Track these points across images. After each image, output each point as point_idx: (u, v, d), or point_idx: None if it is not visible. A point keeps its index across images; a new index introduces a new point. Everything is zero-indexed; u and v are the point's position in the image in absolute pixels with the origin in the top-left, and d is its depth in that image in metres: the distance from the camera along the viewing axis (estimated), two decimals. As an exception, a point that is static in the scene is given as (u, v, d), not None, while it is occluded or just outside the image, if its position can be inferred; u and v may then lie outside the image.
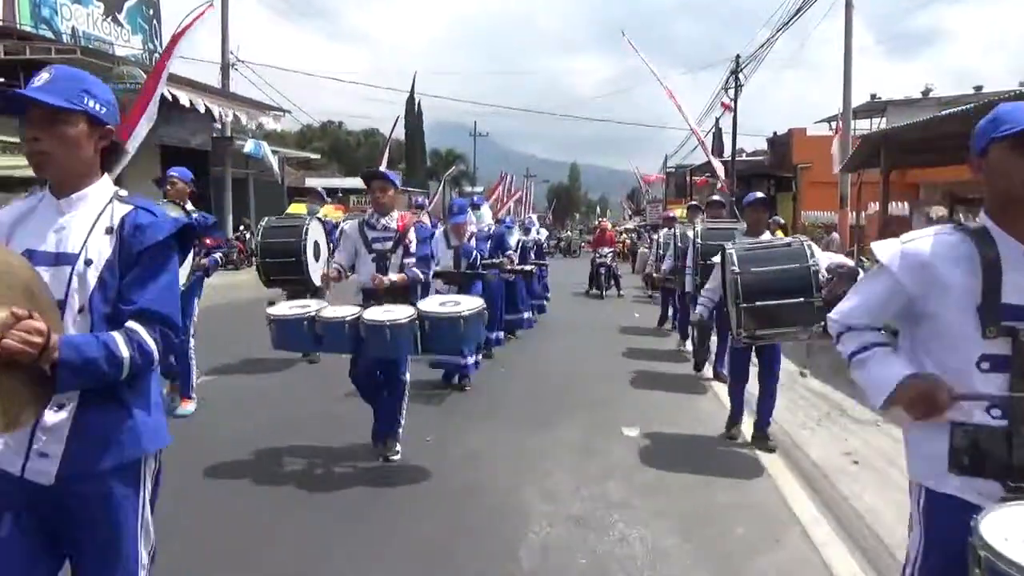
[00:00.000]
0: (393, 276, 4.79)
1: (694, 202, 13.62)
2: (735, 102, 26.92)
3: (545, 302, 12.89)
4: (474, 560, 3.57)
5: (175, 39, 10.84)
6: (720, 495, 4.46)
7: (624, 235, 34.26)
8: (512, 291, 9.66)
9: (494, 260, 8.11)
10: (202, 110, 17.32)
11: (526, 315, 10.67)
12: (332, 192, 20.48)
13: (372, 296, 4.79)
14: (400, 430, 4.94)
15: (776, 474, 4.86)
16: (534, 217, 17.02)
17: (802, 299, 4.66)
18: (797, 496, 4.47)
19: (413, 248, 4.90)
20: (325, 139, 56.80)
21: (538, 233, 14.34)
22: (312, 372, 7.67)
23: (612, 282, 16.89)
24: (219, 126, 20.61)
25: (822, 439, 5.57)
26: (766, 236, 5.54)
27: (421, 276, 4.95)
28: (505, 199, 32.83)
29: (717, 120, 30.64)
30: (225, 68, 21.14)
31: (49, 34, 16.47)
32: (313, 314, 4.54)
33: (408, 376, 4.94)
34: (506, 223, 10.72)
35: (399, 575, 3.44)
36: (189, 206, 5.85)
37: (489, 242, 8.27)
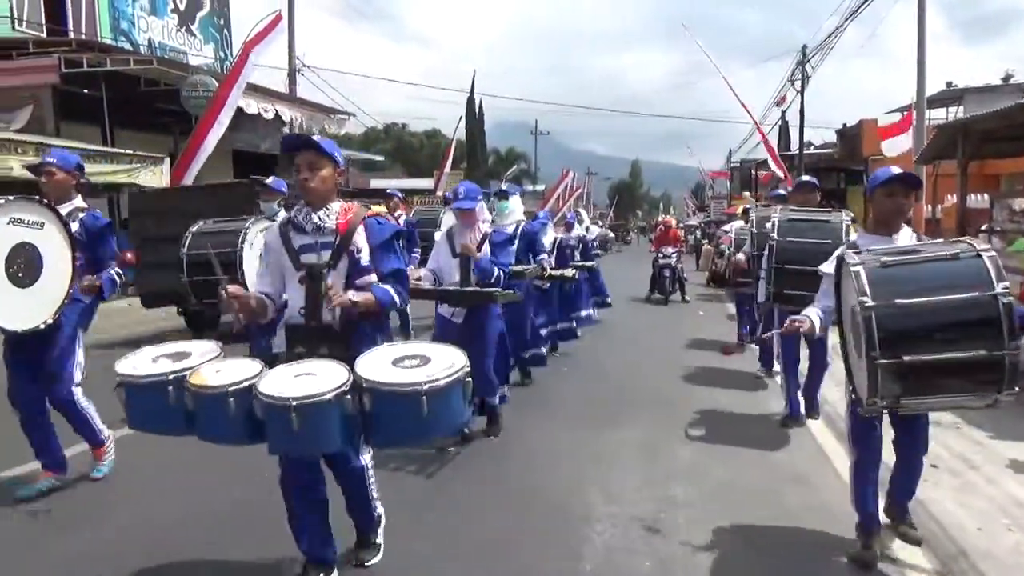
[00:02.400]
0: (354, 295, 3.02)
1: (747, 208, 11.03)
2: (802, 94, 26.21)
3: (589, 313, 10.23)
4: (537, 561, 3.57)
5: (247, 49, 11.19)
6: (789, 499, 4.36)
7: (685, 232, 33.46)
8: (551, 300, 8.32)
9: (520, 267, 6.28)
10: (271, 116, 17.81)
11: (585, 313, 9.73)
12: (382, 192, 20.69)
13: (301, 339, 3.07)
14: (379, 529, 3.58)
15: (847, 475, 4.70)
16: (583, 212, 14.15)
17: (983, 351, 2.89)
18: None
19: (365, 258, 3.12)
20: (389, 141, 57.72)
21: (586, 230, 12.04)
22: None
23: (677, 286, 14.98)
24: (287, 131, 21.17)
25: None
26: (904, 236, 3.66)
27: (397, 300, 3.17)
28: (567, 196, 32.77)
29: (783, 113, 29.94)
30: (292, 74, 21.68)
31: (127, 45, 17.22)
32: (182, 373, 2.80)
33: (367, 458, 3.38)
34: (540, 218, 8.71)
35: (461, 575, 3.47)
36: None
37: (516, 243, 6.21)
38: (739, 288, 8.81)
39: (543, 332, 7.84)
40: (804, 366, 5.90)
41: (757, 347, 8.00)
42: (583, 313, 9.77)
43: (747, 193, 33.24)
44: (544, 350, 7.48)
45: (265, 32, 12.57)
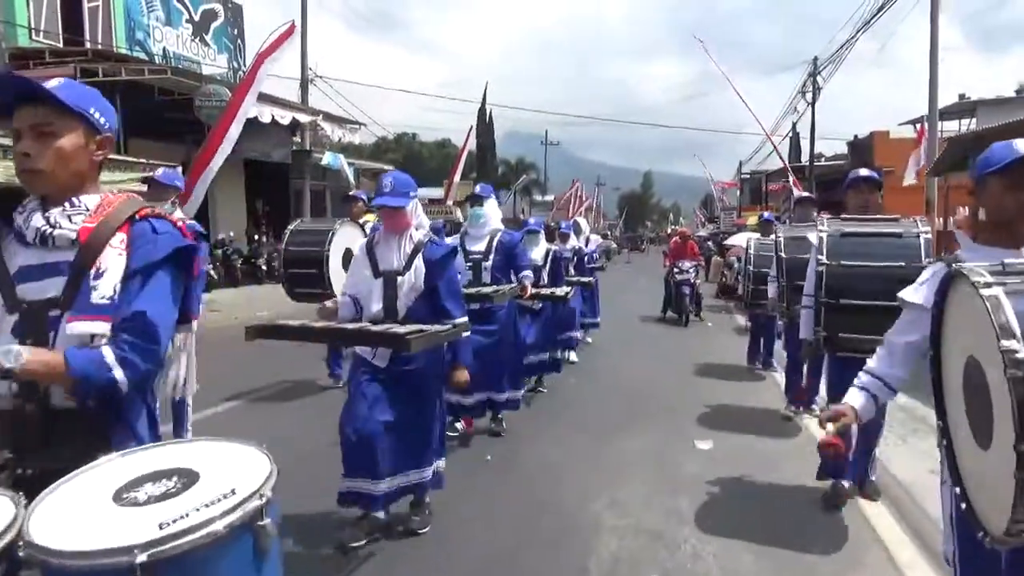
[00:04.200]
0: (30, 356, 1.60)
1: (767, 215, 10.31)
2: (813, 106, 26.19)
3: (581, 334, 9.45)
4: (543, 570, 3.58)
5: (260, 59, 11.28)
6: (798, 512, 4.33)
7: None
8: (542, 324, 6.79)
9: (491, 288, 5.21)
10: (287, 122, 17.93)
11: (570, 335, 8.56)
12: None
13: (14, 436, 1.71)
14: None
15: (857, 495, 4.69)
16: (581, 221, 12.53)
17: None
18: (880, 514, 4.30)
19: (105, 289, 1.72)
20: (399, 150, 58.03)
21: (585, 242, 10.85)
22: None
23: (694, 304, 13.50)
24: (298, 140, 21.31)
25: (907, 455, 5.34)
26: None
27: (116, 373, 1.68)
28: (577, 206, 32.83)
29: (794, 125, 29.94)
30: (304, 84, 21.84)
31: (142, 55, 17.39)
32: None
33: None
34: (529, 225, 7.30)
35: (470, 584, 3.48)
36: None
37: (491, 257, 5.42)
38: (757, 309, 8.09)
39: (527, 362, 6.58)
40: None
41: (782, 377, 7.10)
42: (571, 335, 8.70)
43: (760, 209, 33.17)
44: (520, 395, 5.90)
45: (278, 42, 12.63)
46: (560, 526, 4.09)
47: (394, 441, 3.62)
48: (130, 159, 12.88)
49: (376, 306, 3.64)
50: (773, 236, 6.65)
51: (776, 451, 5.55)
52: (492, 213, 5.58)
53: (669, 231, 30.64)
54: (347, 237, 6.30)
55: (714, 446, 5.62)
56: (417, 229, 3.75)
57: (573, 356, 8.90)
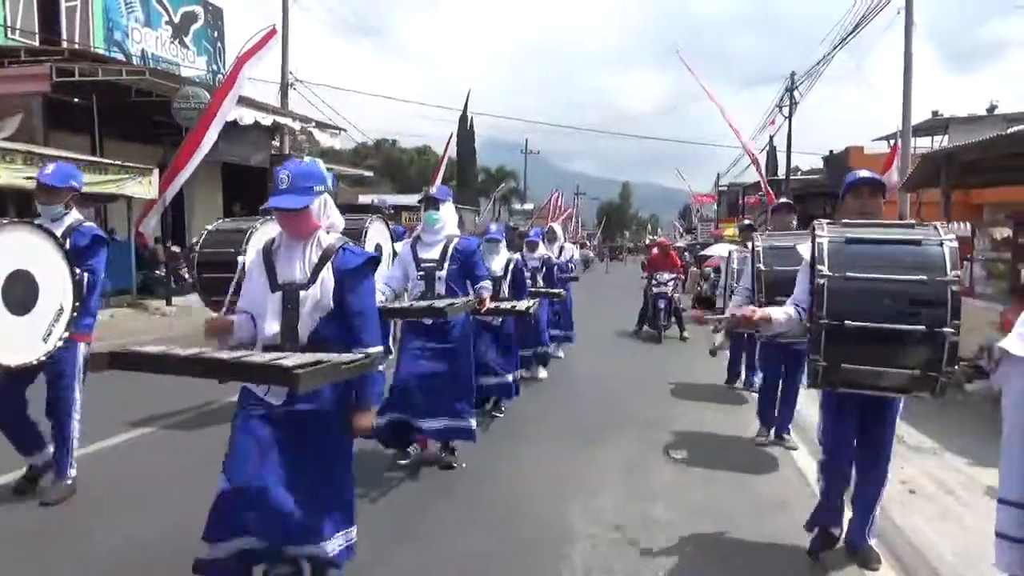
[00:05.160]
0: None
1: (748, 221, 10.70)
2: (789, 120, 26.58)
3: (553, 348, 9.09)
4: (517, 579, 3.57)
5: (240, 62, 11.21)
6: (769, 521, 4.37)
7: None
8: (501, 341, 6.34)
9: (444, 301, 4.63)
10: (268, 123, 17.82)
11: (534, 351, 8.15)
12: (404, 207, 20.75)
13: None
14: None
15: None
16: (556, 227, 11.86)
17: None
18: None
19: None
20: (378, 156, 57.85)
21: (559, 251, 10.30)
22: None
23: (673, 319, 12.68)
24: (277, 144, 21.20)
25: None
26: None
27: None
28: (556, 217, 32.95)
29: (771, 138, 30.33)
30: (284, 88, 21.75)
31: (120, 56, 17.23)
32: None
33: None
34: (489, 233, 6.88)
35: (442, 591, 3.46)
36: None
37: (445, 265, 4.95)
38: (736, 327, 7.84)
39: (486, 383, 6.23)
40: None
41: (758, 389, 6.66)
42: (544, 350, 8.39)
43: (737, 219, 33.48)
44: (473, 423, 5.12)
45: (259, 46, 12.62)
46: (534, 534, 4.09)
47: (285, 504, 2.77)
48: (105, 161, 12.73)
49: (272, 327, 2.88)
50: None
51: (750, 460, 5.60)
52: (449, 218, 5.07)
53: (648, 242, 30.78)
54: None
55: (688, 455, 5.65)
56: (328, 232, 3.00)
57: (543, 372, 8.56)
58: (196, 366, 2.55)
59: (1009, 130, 10.86)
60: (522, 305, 5.98)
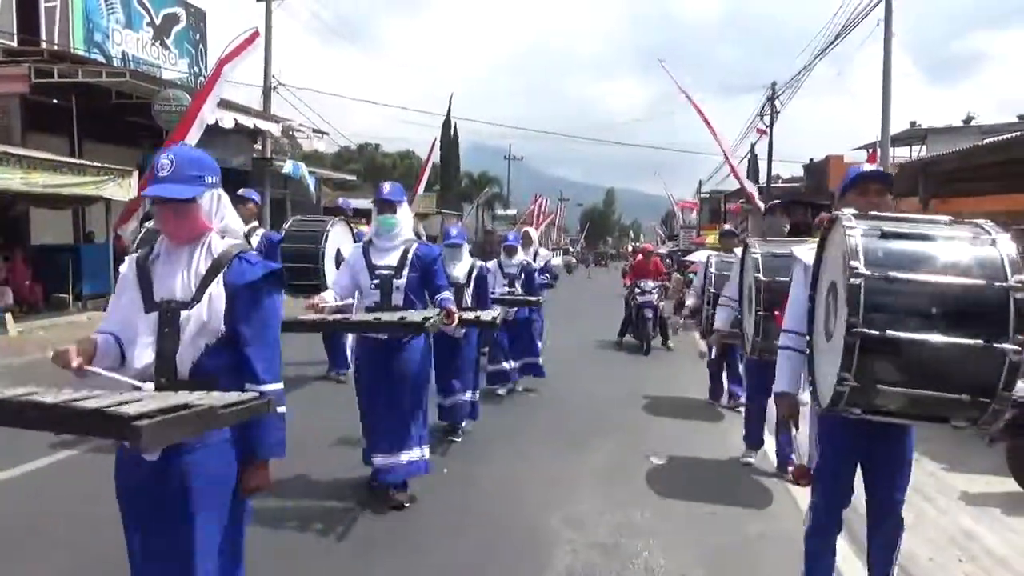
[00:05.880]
0: None
1: (728, 227, 10.39)
2: (771, 128, 26.82)
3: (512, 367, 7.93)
4: (498, 585, 3.57)
5: (221, 65, 11.15)
6: (748, 525, 4.40)
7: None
8: (461, 357, 5.97)
9: (393, 314, 4.18)
10: (250, 126, 17.72)
11: (512, 364, 7.73)
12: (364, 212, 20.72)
13: None
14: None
15: (806, 506, 4.77)
16: (531, 231, 10.77)
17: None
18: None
19: None
20: (361, 160, 57.67)
21: (534, 256, 9.35)
22: (336, 392, 7.52)
23: (658, 329, 11.96)
24: (259, 147, 21.08)
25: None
26: None
27: None
28: (540, 222, 33.00)
29: (752, 146, 30.59)
30: (267, 91, 21.64)
31: (100, 57, 17.05)
32: None
33: None
34: (450, 237, 6.26)
35: (423, 597, 3.45)
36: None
37: (404, 273, 4.42)
38: (728, 338, 6.83)
39: (449, 403, 5.96)
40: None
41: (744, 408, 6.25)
42: (506, 365, 7.72)
43: (718, 225, 33.70)
44: (425, 455, 4.58)
45: (240, 48, 12.53)
46: (515, 540, 4.09)
47: None
48: (83, 162, 12.59)
49: (144, 356, 2.25)
50: (737, 252, 5.99)
51: (731, 465, 5.63)
52: (405, 221, 4.58)
53: (630, 248, 30.83)
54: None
55: (668, 461, 5.67)
56: (222, 237, 2.40)
57: (520, 386, 8.14)
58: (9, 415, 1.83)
59: (985, 140, 11.03)
60: (487, 315, 5.61)
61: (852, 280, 2.52)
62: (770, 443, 5.75)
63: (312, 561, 3.76)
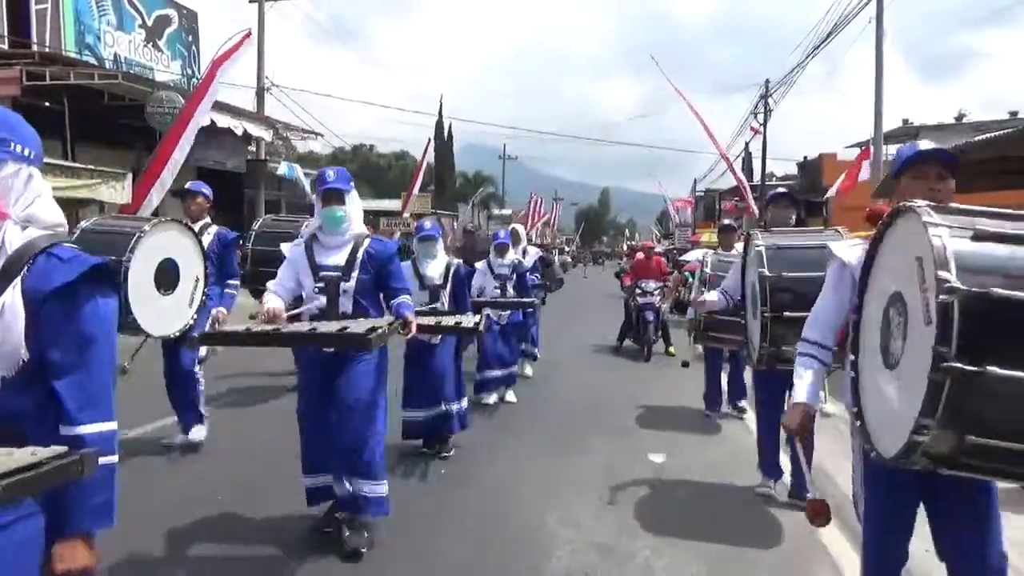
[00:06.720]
0: None
1: (727, 222, 9.77)
2: (764, 126, 26.89)
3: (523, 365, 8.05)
4: (496, 586, 3.56)
5: (215, 66, 11.10)
6: (748, 524, 4.40)
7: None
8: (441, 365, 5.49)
9: (361, 326, 3.41)
10: (240, 133, 17.69)
11: (501, 372, 7.25)
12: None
13: None
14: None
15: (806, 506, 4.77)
16: (519, 228, 9.94)
17: None
18: (827, 528, 4.38)
19: None
20: (356, 162, 57.64)
21: (523, 254, 8.60)
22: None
23: (659, 333, 11.09)
24: (253, 149, 21.05)
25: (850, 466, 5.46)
26: None
27: None
28: (535, 221, 32.98)
29: (747, 144, 30.69)
30: (260, 92, 21.60)
31: (92, 60, 17.00)
32: None
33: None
34: (424, 230, 5.73)
35: (421, 599, 3.44)
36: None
37: (354, 273, 3.78)
38: (714, 342, 6.78)
39: (422, 416, 5.47)
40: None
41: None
42: (494, 374, 7.21)
43: (713, 223, 33.75)
44: (386, 491, 3.88)
45: (233, 50, 12.47)
46: (513, 540, 4.08)
47: None
48: (76, 165, 12.55)
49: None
50: (737, 249, 5.62)
51: (729, 463, 5.63)
52: (355, 213, 3.90)
53: (626, 247, 30.72)
54: (164, 243, 4.69)
55: (666, 459, 5.67)
56: (24, 227, 1.72)
57: (511, 395, 7.61)
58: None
59: (977, 138, 11.08)
60: (468, 321, 4.94)
61: (942, 297, 1.84)
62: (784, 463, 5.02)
63: (307, 565, 3.74)
